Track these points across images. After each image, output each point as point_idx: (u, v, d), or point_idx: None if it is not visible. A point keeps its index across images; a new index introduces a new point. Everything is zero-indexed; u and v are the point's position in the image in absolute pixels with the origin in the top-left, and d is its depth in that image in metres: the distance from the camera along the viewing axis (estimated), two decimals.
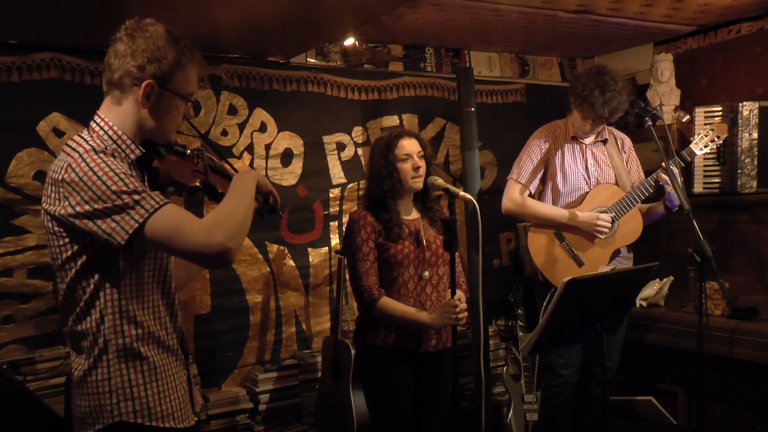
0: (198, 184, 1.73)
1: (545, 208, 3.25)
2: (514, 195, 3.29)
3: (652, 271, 2.71)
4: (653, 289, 3.70)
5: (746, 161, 3.48)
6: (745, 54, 3.86)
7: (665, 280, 3.73)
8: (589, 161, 3.30)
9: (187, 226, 1.51)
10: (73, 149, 1.56)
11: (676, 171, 3.06)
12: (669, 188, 3.07)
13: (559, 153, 3.29)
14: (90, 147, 1.55)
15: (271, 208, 1.82)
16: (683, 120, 3.97)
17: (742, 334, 3.13)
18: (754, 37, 3.81)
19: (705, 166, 3.62)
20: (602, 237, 3.19)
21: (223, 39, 3.30)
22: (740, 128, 3.48)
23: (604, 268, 3.23)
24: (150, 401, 1.61)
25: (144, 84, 1.59)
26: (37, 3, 2.54)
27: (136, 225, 1.48)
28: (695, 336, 2.83)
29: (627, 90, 3.15)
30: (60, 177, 1.53)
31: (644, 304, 3.69)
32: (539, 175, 3.31)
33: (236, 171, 1.89)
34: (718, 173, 3.60)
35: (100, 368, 1.59)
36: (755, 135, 3.48)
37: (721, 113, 3.55)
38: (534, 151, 3.32)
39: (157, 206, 1.50)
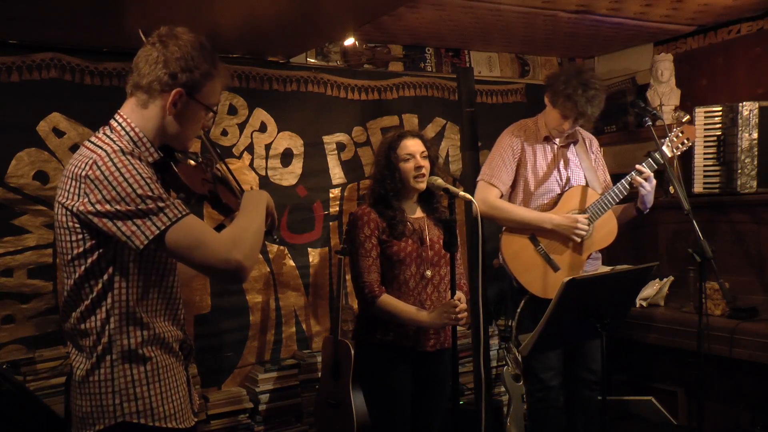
0: (206, 192, 1.75)
1: (521, 212, 3.14)
2: (488, 197, 3.15)
3: (652, 271, 2.71)
4: (653, 289, 3.70)
5: (746, 161, 3.48)
6: (745, 54, 3.86)
7: (665, 280, 3.73)
8: (560, 162, 3.21)
9: (209, 240, 1.55)
10: (99, 146, 1.57)
11: (651, 175, 3.03)
12: (643, 191, 3.03)
13: (530, 153, 3.20)
14: (118, 147, 1.56)
15: (267, 229, 1.83)
16: (683, 120, 3.96)
17: (742, 334, 3.13)
18: (754, 37, 3.81)
19: (705, 166, 3.62)
20: (579, 240, 3.10)
21: (223, 39, 3.30)
22: (740, 128, 3.48)
23: (594, 269, 3.23)
24: (153, 401, 1.61)
25: (174, 92, 1.61)
26: (37, 3, 2.53)
27: (158, 231, 1.50)
28: (695, 336, 2.83)
29: (604, 90, 3.10)
30: (84, 173, 1.53)
31: (644, 304, 3.69)
32: (508, 173, 3.19)
33: (235, 177, 1.90)
34: (718, 173, 3.60)
35: (103, 368, 1.59)
36: (755, 135, 3.48)
37: (721, 113, 3.55)
38: (506, 151, 3.20)
39: (180, 216, 1.53)
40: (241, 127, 3.69)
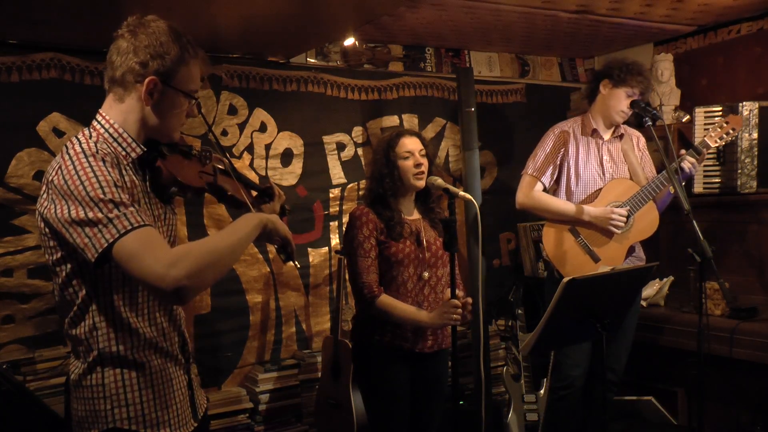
0: (204, 185, 1.70)
1: (558, 203, 3.24)
2: (528, 189, 3.29)
3: (652, 271, 2.71)
4: (653, 289, 3.70)
5: (746, 161, 3.48)
6: (745, 54, 3.86)
7: (665, 280, 3.73)
8: (604, 157, 3.29)
9: (150, 252, 1.41)
10: (67, 150, 1.53)
11: (693, 161, 3.09)
12: (693, 171, 3.11)
13: (574, 149, 3.29)
14: (80, 150, 1.50)
15: (287, 255, 1.75)
16: (683, 120, 3.97)
17: (742, 334, 3.13)
18: (754, 37, 3.81)
19: (705, 166, 3.62)
20: (618, 231, 3.17)
21: (223, 39, 3.30)
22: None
23: (604, 269, 3.23)
24: (145, 408, 1.57)
25: (147, 80, 1.55)
26: (37, 3, 2.53)
27: (106, 244, 1.42)
28: (695, 336, 2.83)
29: None
30: (51, 178, 1.50)
31: (644, 304, 3.68)
32: (551, 168, 3.29)
33: (232, 168, 1.85)
34: (718, 173, 3.60)
35: (95, 373, 1.56)
36: (755, 135, 3.48)
37: (721, 113, 3.55)
38: (550, 146, 3.31)
39: (129, 228, 1.43)
40: (241, 127, 3.69)
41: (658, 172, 3.21)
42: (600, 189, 3.25)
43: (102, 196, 1.43)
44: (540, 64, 4.66)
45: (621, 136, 3.34)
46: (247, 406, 3.53)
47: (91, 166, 1.47)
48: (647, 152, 3.42)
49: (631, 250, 3.25)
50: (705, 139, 3.17)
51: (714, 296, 3.35)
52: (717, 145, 3.19)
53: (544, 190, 3.31)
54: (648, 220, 3.23)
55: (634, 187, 3.22)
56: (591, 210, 3.17)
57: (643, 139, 3.43)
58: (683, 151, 3.12)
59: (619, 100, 3.21)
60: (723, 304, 3.33)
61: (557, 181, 3.33)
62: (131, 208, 1.46)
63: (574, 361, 3.20)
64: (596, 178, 3.27)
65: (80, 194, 1.44)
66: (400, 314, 2.61)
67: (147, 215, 1.57)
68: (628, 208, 3.16)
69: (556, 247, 3.23)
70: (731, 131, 3.18)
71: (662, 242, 3.91)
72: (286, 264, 1.80)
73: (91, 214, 1.43)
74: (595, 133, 3.29)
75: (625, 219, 3.14)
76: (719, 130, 3.18)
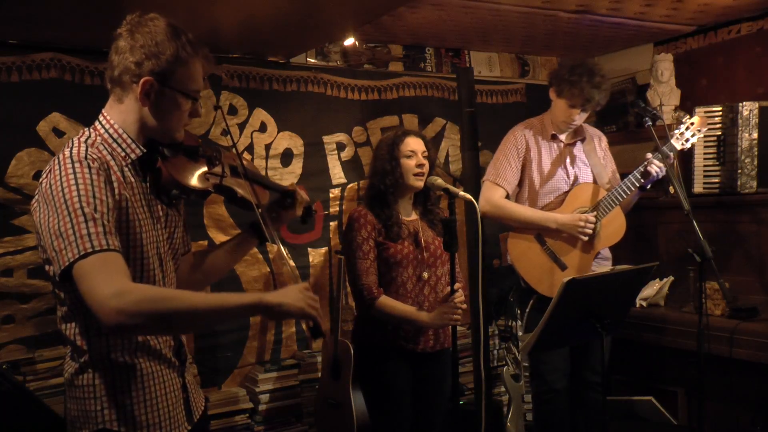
0: (209, 188, 1.67)
1: (525, 211, 3.15)
2: (492, 197, 3.17)
3: (652, 271, 2.71)
4: (653, 289, 3.70)
5: (746, 161, 3.48)
6: (745, 54, 3.86)
7: (665, 280, 3.73)
8: (567, 160, 3.21)
9: (101, 276, 1.37)
10: (60, 153, 1.52)
11: (660, 164, 2.99)
12: (660, 174, 2.99)
13: (535, 152, 3.21)
14: (69, 155, 1.49)
15: (313, 333, 1.64)
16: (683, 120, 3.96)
17: (742, 334, 3.13)
18: (754, 37, 3.81)
19: (705, 166, 3.62)
20: (586, 239, 3.09)
21: (223, 39, 3.30)
22: (740, 128, 3.48)
23: (605, 269, 3.22)
24: (135, 410, 1.56)
25: (142, 81, 1.53)
26: (37, 3, 2.53)
27: (67, 263, 1.39)
28: (695, 336, 2.83)
29: (609, 79, 3.12)
30: (41, 180, 1.50)
31: (644, 304, 3.69)
32: (513, 173, 3.20)
33: (242, 166, 1.80)
34: (718, 173, 3.60)
35: (86, 374, 1.55)
36: (755, 135, 3.48)
37: (721, 113, 3.55)
38: (511, 151, 3.21)
39: (90, 251, 1.38)
40: (241, 127, 3.69)
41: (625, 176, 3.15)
42: (565, 194, 3.18)
43: (77, 205, 1.41)
44: (540, 64, 4.66)
45: (583, 140, 3.26)
46: (246, 406, 3.53)
47: (74, 173, 1.45)
48: (609, 153, 3.36)
49: (596, 254, 3.19)
50: (671, 141, 3.08)
51: (714, 296, 3.35)
52: (683, 147, 3.10)
53: (507, 196, 3.21)
54: (615, 226, 3.16)
55: (602, 192, 3.15)
56: (558, 217, 3.09)
57: (605, 139, 3.38)
58: (649, 155, 3.03)
59: (561, 110, 3.12)
60: (723, 304, 3.33)
61: (520, 185, 3.24)
62: (100, 228, 1.41)
63: (552, 366, 3.14)
64: (560, 182, 3.19)
65: (58, 200, 1.43)
66: (400, 315, 2.61)
67: (137, 234, 1.54)
68: (595, 213, 3.08)
69: (522, 256, 3.16)
70: (697, 132, 3.10)
71: (662, 242, 3.91)
72: (316, 340, 1.71)
73: (62, 226, 1.41)
74: (554, 137, 3.22)
75: (593, 226, 3.06)
76: (685, 131, 3.10)
